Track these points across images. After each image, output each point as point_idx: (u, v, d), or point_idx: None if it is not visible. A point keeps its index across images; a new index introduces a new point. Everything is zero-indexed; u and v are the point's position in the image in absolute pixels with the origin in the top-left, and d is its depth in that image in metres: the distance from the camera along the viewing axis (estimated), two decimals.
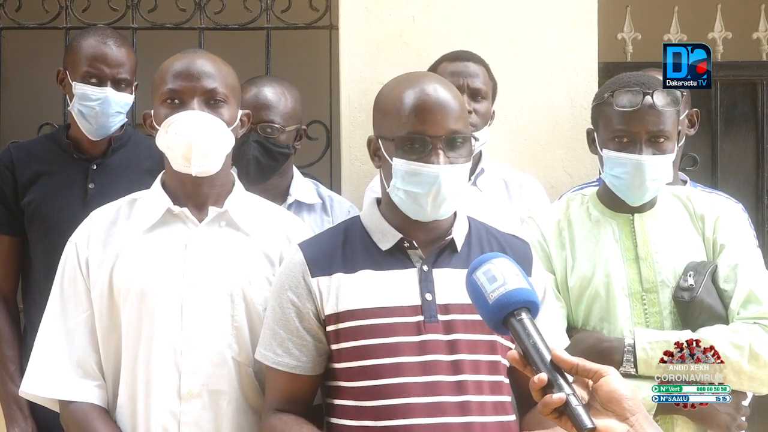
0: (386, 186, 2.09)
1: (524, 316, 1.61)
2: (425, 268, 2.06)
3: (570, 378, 1.56)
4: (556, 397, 1.52)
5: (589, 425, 1.50)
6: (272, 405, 2.13)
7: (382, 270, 2.06)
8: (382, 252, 2.08)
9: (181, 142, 2.21)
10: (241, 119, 2.32)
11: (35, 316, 2.94)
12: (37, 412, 2.93)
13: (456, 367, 2.01)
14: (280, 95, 2.89)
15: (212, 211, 2.28)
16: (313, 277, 2.07)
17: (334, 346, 2.07)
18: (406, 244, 2.08)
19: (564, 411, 1.53)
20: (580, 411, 1.51)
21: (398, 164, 2.03)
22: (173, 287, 2.22)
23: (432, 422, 1.97)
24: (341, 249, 2.10)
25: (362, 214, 2.19)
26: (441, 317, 2.03)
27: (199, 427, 2.21)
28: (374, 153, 2.13)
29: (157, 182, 2.34)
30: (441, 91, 2.04)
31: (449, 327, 2.03)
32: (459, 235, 2.11)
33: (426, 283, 2.05)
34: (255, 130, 2.84)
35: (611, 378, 1.55)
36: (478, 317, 1.97)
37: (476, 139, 2.12)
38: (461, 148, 2.04)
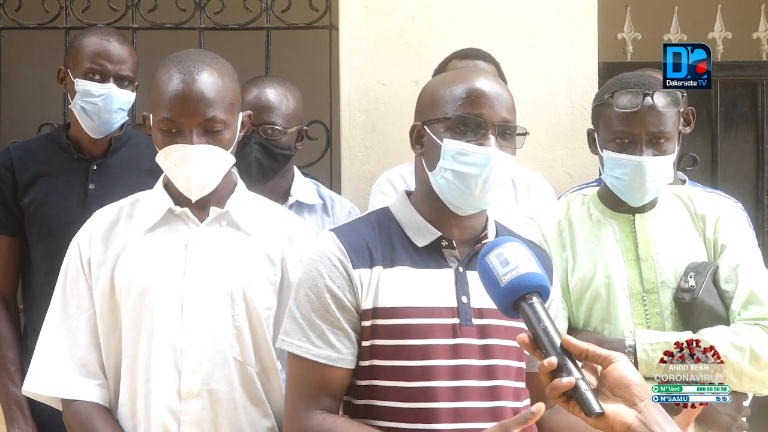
0: (427, 172, 2.04)
1: (535, 300, 1.62)
2: (461, 269, 2.02)
3: (579, 363, 1.56)
4: (566, 380, 1.53)
5: (598, 410, 1.51)
6: (309, 403, 1.99)
7: (419, 268, 2.01)
8: (418, 249, 2.03)
9: (181, 176, 2.20)
10: (242, 121, 2.29)
11: (35, 316, 2.95)
12: (37, 412, 2.93)
13: (489, 372, 1.98)
14: (281, 96, 2.89)
15: (213, 211, 2.26)
16: (354, 268, 1.99)
17: (365, 342, 1.99)
18: (444, 243, 2.03)
19: (573, 395, 1.53)
20: (589, 396, 1.52)
21: (449, 144, 1.99)
22: (173, 286, 2.22)
23: (464, 427, 1.94)
24: (379, 240, 2.03)
25: (393, 207, 2.11)
26: (475, 321, 1.99)
27: (199, 426, 2.20)
28: (416, 140, 2.08)
29: (160, 183, 2.33)
30: (496, 83, 2.05)
31: (483, 331, 1.99)
32: (491, 237, 2.06)
33: (462, 285, 2.00)
34: (257, 132, 2.83)
35: (620, 364, 1.56)
36: (510, 323, 1.96)
37: (527, 134, 2.09)
38: (510, 140, 2.02)
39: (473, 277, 1.99)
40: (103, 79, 2.96)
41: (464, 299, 2.00)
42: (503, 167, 2.00)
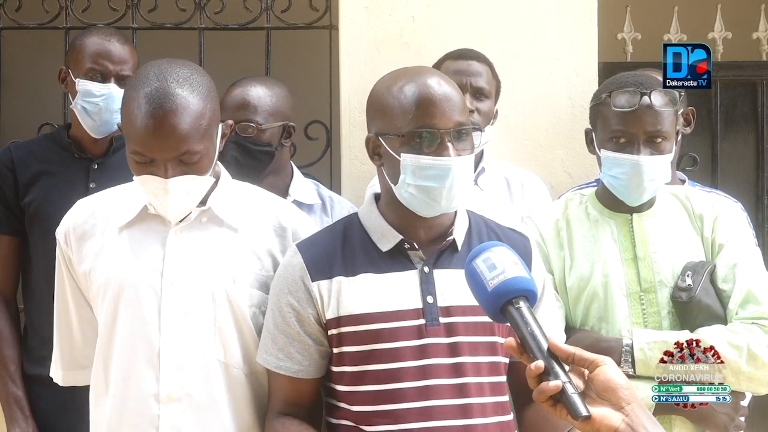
0: (390, 184, 2.05)
1: (522, 304, 1.62)
2: (426, 269, 2.05)
3: (566, 367, 1.57)
4: (553, 384, 1.53)
5: (585, 413, 1.52)
6: (275, 408, 2.11)
7: (383, 273, 2.04)
8: (382, 253, 2.06)
9: (156, 205, 2.14)
10: (223, 133, 2.18)
11: (35, 316, 2.96)
12: (37, 412, 2.94)
13: (457, 370, 2.01)
14: (258, 93, 2.84)
15: (194, 209, 2.17)
16: (313, 281, 2.05)
17: (335, 350, 2.05)
18: (407, 246, 2.06)
19: (559, 399, 1.54)
20: (576, 399, 1.53)
21: (408, 160, 1.99)
22: (151, 286, 2.14)
23: (433, 425, 1.97)
24: (341, 251, 2.08)
25: (360, 212, 2.16)
26: (442, 320, 2.02)
27: (179, 431, 2.13)
28: (374, 152, 2.09)
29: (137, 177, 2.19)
30: (444, 84, 2.02)
31: (451, 329, 2.02)
32: (459, 233, 2.09)
33: (427, 285, 2.03)
34: (234, 130, 2.79)
35: (607, 367, 1.56)
36: (479, 319, 1.99)
37: (482, 131, 2.09)
38: (467, 140, 2.02)
39: (440, 276, 2.04)
40: (104, 79, 2.96)
41: (430, 299, 2.02)
42: (465, 173, 2.01)
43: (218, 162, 2.24)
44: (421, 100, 1.99)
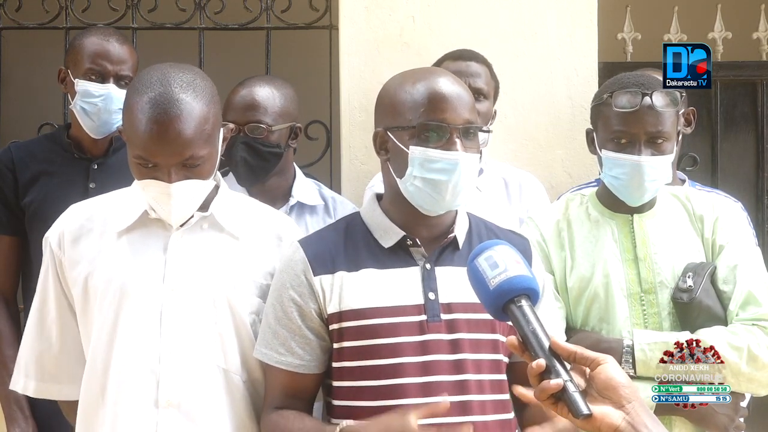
0: (396, 178, 2.07)
1: (524, 303, 1.63)
2: (428, 266, 2.06)
3: (567, 365, 1.57)
4: (554, 382, 1.54)
5: (586, 412, 1.52)
6: (273, 403, 2.11)
7: (385, 268, 2.06)
8: (385, 250, 2.08)
9: (158, 209, 2.12)
10: (224, 137, 2.18)
11: None
12: (37, 411, 2.94)
13: (458, 367, 2.02)
14: (267, 94, 2.85)
15: (196, 214, 2.17)
16: (315, 275, 2.06)
17: (336, 345, 2.06)
18: (409, 242, 2.07)
19: (561, 397, 1.55)
20: (577, 397, 1.53)
21: (416, 152, 2.02)
22: (152, 291, 2.13)
23: (433, 422, 1.97)
24: (343, 246, 2.09)
25: (362, 210, 2.17)
26: (444, 316, 2.03)
27: None
28: (381, 146, 2.11)
29: (137, 182, 2.18)
30: (455, 83, 2.06)
31: (452, 326, 2.03)
32: (461, 232, 2.11)
33: (429, 282, 2.04)
34: (242, 131, 2.80)
35: (608, 366, 1.57)
36: (480, 316, 2.00)
37: (489, 131, 2.10)
38: (474, 139, 2.05)
39: (442, 273, 2.05)
40: (103, 80, 2.96)
41: (431, 296, 2.03)
42: (471, 170, 2.03)
43: (217, 172, 2.24)
44: (433, 95, 2.02)
